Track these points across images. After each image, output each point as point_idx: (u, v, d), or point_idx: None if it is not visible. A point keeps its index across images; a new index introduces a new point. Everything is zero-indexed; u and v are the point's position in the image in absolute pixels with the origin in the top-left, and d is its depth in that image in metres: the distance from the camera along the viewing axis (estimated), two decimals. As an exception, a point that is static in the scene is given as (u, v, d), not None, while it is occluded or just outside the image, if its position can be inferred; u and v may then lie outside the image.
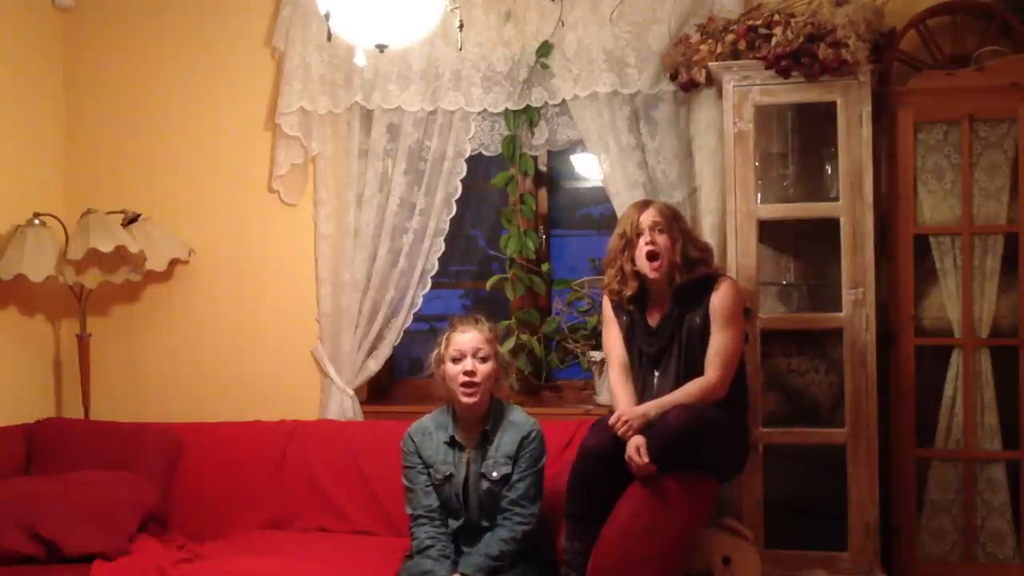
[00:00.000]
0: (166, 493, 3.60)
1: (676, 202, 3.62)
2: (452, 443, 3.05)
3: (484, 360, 3.01)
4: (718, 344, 3.02)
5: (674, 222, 3.10)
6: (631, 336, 3.16)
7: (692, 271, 3.07)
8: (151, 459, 3.64)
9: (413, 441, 3.08)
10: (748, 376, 3.31)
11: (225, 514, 3.58)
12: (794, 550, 3.34)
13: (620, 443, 2.88)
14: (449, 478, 3.02)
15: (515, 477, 2.99)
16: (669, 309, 3.10)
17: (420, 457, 3.05)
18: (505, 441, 3.02)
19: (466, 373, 2.98)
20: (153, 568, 3.09)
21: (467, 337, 3.02)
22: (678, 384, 3.03)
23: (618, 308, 3.19)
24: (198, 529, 3.54)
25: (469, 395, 2.99)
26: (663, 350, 3.10)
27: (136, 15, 4.13)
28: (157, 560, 3.14)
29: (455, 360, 3.01)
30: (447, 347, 3.04)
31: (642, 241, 3.07)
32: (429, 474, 3.04)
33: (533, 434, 3.03)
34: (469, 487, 3.02)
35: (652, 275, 3.07)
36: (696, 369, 3.04)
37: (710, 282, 3.07)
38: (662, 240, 3.05)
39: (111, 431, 3.76)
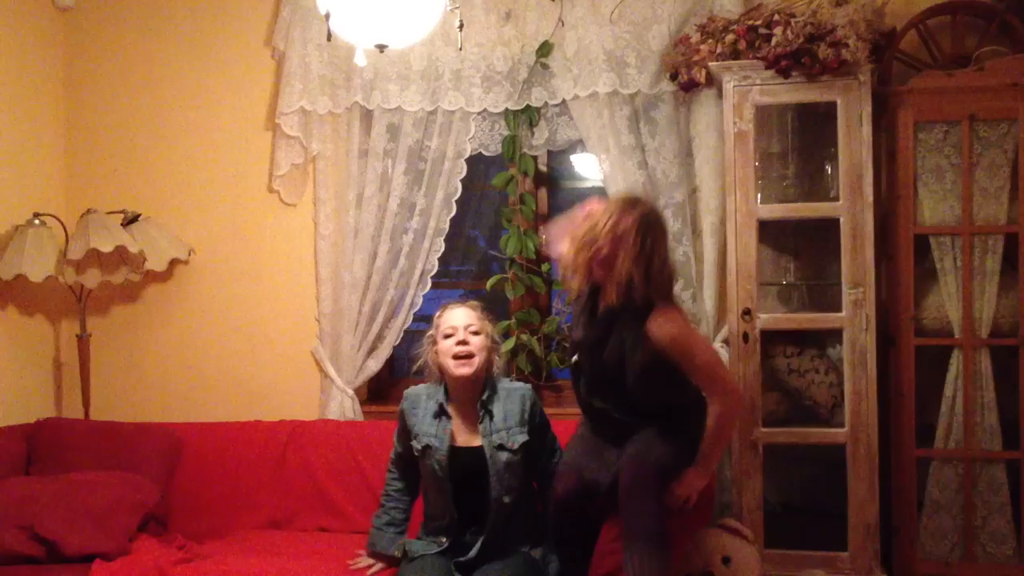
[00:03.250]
0: (166, 493, 3.61)
1: (676, 202, 3.63)
2: (439, 413, 3.04)
3: (476, 334, 3.02)
4: (696, 371, 2.83)
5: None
6: (578, 322, 3.01)
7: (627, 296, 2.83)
8: (151, 459, 3.64)
9: (404, 404, 3.12)
10: (747, 376, 3.30)
11: (225, 514, 3.59)
12: (794, 550, 3.34)
13: (587, 485, 2.90)
14: (428, 449, 3.01)
15: (540, 445, 3.08)
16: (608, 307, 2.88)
17: (405, 421, 3.09)
18: (509, 409, 3.03)
19: (459, 343, 3.00)
20: (153, 568, 3.09)
21: (458, 313, 3.06)
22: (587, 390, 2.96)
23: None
24: (198, 529, 3.54)
25: (463, 365, 2.99)
26: (596, 345, 2.90)
27: (136, 15, 4.13)
28: (157, 560, 3.14)
29: (447, 336, 3.02)
30: (439, 327, 3.06)
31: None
32: (411, 445, 3.07)
33: (530, 393, 3.10)
34: (488, 462, 2.98)
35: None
36: (602, 382, 2.91)
37: (644, 309, 2.82)
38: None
39: (111, 431, 3.76)
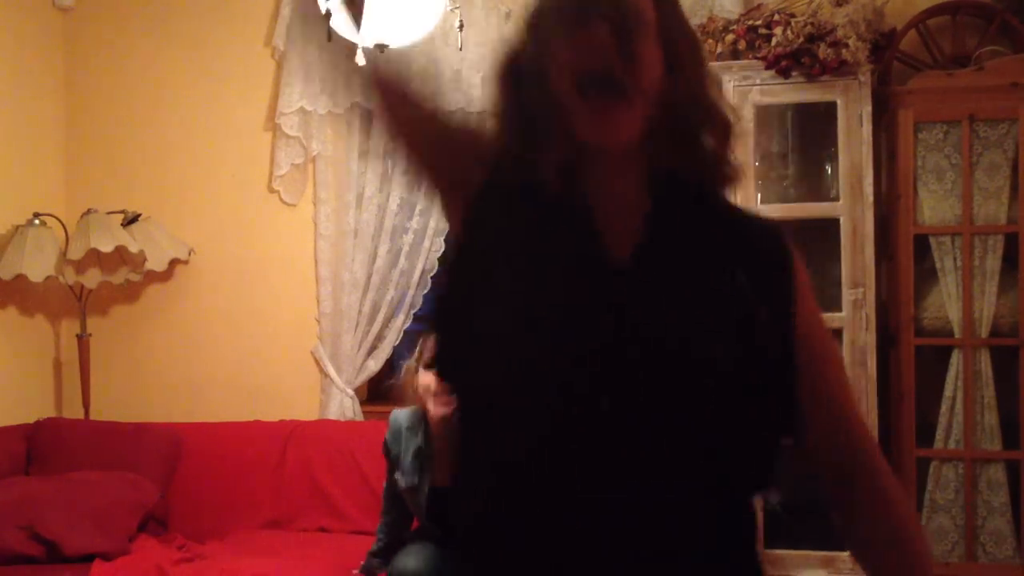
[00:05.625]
0: (166, 493, 3.61)
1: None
2: (418, 454, 2.83)
3: None
4: (845, 393, 1.33)
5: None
6: (520, 270, 1.25)
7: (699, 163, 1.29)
8: (151, 459, 3.64)
9: (387, 435, 2.91)
10: None
11: (225, 514, 3.58)
12: (794, 550, 3.34)
13: None
14: (414, 488, 2.82)
15: None
16: (645, 233, 1.25)
17: (390, 455, 2.89)
18: None
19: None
20: (153, 568, 3.09)
21: None
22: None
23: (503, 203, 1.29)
24: (198, 529, 3.54)
25: (446, 404, 2.69)
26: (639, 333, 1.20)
27: (136, 15, 4.13)
28: (157, 560, 3.14)
29: (429, 367, 2.72)
30: (423, 353, 2.80)
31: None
32: (396, 479, 2.88)
33: None
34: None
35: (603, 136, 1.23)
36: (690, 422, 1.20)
37: (764, 229, 1.34)
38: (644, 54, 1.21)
39: (111, 431, 3.76)
